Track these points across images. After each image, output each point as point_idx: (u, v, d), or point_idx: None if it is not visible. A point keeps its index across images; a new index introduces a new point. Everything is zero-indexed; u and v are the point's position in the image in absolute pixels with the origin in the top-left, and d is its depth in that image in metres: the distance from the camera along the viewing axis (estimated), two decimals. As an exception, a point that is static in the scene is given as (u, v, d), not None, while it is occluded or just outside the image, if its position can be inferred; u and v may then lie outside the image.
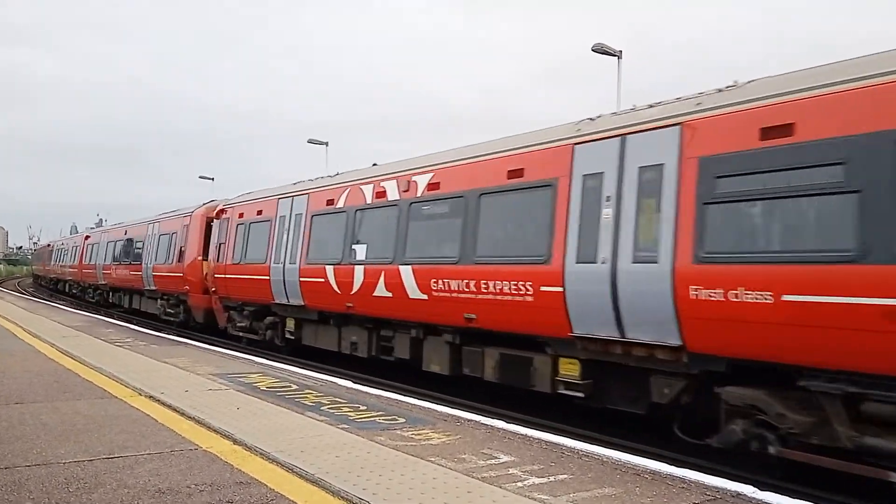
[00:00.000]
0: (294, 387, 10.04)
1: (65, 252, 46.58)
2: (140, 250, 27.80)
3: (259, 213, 18.04)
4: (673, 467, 6.19)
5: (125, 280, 29.80)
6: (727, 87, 8.48)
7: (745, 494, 5.42)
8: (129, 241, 29.79)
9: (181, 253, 23.05)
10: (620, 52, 22.61)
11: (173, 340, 17.17)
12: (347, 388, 10.23)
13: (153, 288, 26.05)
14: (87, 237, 39.55)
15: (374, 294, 12.90)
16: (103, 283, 33.96)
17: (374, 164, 15.19)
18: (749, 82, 8.26)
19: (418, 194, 12.48)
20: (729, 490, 5.50)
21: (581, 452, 6.59)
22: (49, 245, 60.13)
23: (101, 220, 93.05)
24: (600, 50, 22.37)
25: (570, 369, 9.65)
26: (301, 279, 15.42)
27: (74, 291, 42.51)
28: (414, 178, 12.62)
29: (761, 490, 5.59)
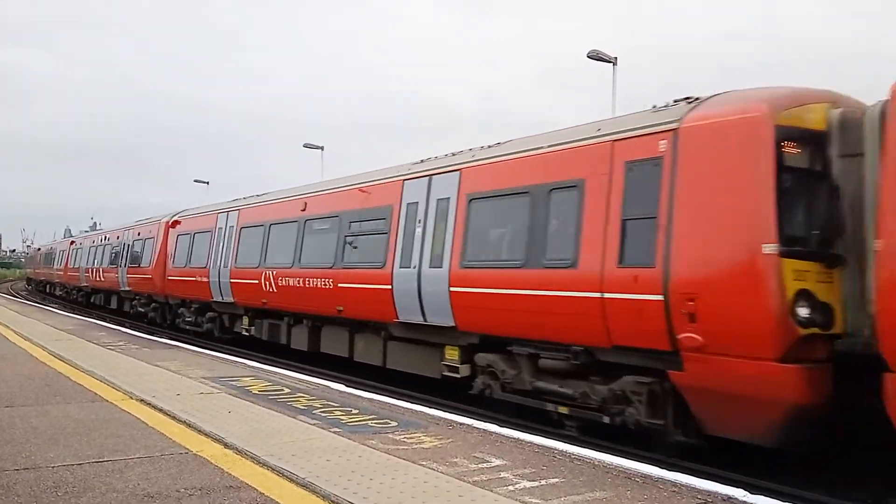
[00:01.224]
0: (286, 390, 10.01)
1: (115, 250, 29.66)
2: (406, 237, 12.37)
3: None
4: (664, 471, 6.19)
5: (312, 300, 15.00)
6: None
7: (735, 498, 5.43)
8: (349, 217, 14.19)
9: (667, 234, 8.17)
10: (615, 58, 22.71)
11: (165, 344, 17.11)
12: (340, 391, 10.21)
13: (446, 323, 11.19)
14: (173, 223, 23.54)
15: None
16: (228, 300, 19.05)
17: None
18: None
19: None
20: (720, 493, 5.50)
21: (573, 456, 6.58)
22: (73, 241, 43.10)
23: (94, 223, 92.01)
24: (596, 57, 22.46)
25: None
26: None
27: (146, 311, 26.26)
28: None
29: (752, 493, 5.60)
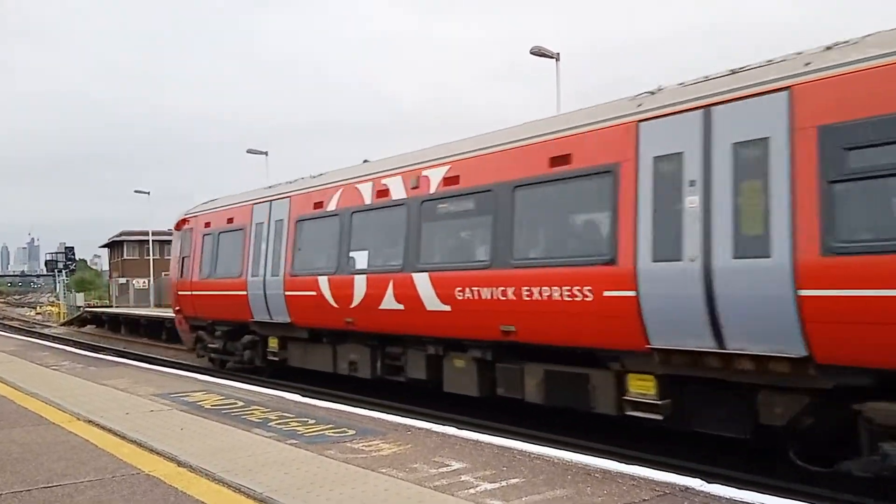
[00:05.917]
0: (240, 403, 9.82)
1: None
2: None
3: None
4: (622, 465, 6.25)
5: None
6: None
7: (693, 488, 5.52)
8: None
9: None
10: (558, 54, 22.97)
11: (112, 361, 16.64)
12: (296, 402, 10.06)
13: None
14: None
15: None
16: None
17: None
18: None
19: None
20: (678, 485, 5.59)
21: (532, 455, 6.60)
22: None
23: (32, 239, 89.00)
24: (538, 53, 22.66)
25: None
26: None
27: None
28: None
29: (709, 483, 5.69)
